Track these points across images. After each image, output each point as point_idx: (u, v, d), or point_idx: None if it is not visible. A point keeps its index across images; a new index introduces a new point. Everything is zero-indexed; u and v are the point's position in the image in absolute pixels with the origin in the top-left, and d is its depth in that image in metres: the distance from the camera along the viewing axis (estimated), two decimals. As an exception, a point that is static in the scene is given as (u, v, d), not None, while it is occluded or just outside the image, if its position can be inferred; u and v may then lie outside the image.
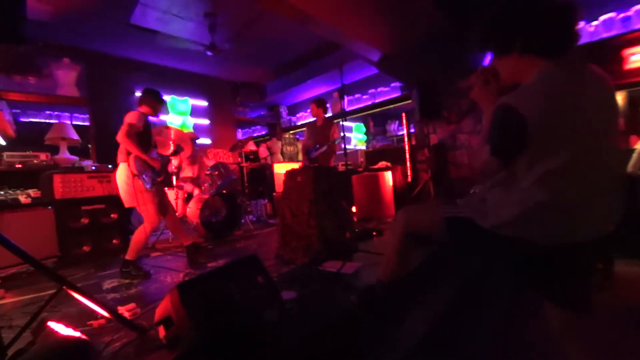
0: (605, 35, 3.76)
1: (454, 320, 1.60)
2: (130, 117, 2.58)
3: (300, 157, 8.06)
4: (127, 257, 2.58)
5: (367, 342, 1.41)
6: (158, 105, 2.86)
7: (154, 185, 2.63)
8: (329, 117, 4.36)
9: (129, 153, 2.57)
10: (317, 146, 3.96)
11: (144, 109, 2.77)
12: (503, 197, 1.04)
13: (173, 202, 4.06)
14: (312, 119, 4.42)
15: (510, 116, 0.93)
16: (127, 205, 2.68)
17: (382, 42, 4.44)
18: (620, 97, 4.03)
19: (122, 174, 2.61)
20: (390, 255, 1.47)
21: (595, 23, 3.87)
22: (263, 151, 7.07)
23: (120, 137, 2.52)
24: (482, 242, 1.10)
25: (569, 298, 1.05)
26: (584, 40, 3.94)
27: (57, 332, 1.46)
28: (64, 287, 1.41)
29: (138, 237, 2.60)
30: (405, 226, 1.39)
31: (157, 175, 2.73)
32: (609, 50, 3.63)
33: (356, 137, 8.08)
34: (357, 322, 1.52)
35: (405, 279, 1.50)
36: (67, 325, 1.51)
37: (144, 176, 2.56)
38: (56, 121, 5.28)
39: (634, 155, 2.69)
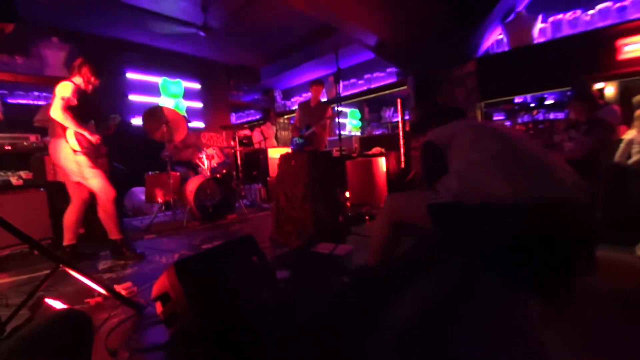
0: (600, 24, 3.77)
1: (442, 303, 1.66)
2: (63, 90, 2.38)
3: (294, 142, 8.02)
4: (111, 236, 2.58)
5: (358, 320, 1.46)
6: (92, 79, 2.60)
7: (97, 159, 2.53)
8: (323, 101, 4.36)
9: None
10: (310, 126, 3.98)
11: (77, 79, 2.54)
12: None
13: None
14: (305, 100, 4.40)
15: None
16: (71, 179, 2.53)
17: (380, 27, 4.39)
18: (613, 88, 4.08)
19: (60, 150, 2.44)
20: (377, 240, 1.53)
21: (591, 12, 3.88)
22: (257, 136, 7.03)
23: (55, 112, 2.33)
24: (459, 218, 1.24)
25: (543, 289, 1.13)
26: (579, 29, 3.95)
27: (54, 308, 1.50)
28: (62, 265, 1.43)
29: (105, 214, 2.53)
30: (391, 213, 1.45)
31: (98, 150, 2.57)
32: (603, 40, 3.64)
33: (351, 123, 8.06)
34: (349, 300, 1.58)
35: (392, 262, 1.56)
36: (64, 303, 1.55)
37: (80, 145, 2.43)
38: (44, 102, 5.16)
39: (621, 145, 2.75)
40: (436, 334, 1.41)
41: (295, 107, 8.20)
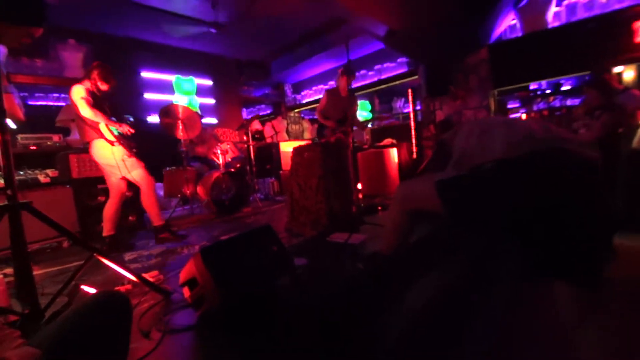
0: (617, 6, 3.66)
1: (456, 291, 1.68)
2: (78, 92, 2.48)
3: (305, 135, 8.07)
4: (155, 223, 2.75)
5: (373, 305, 1.52)
6: (100, 83, 2.67)
7: (131, 150, 2.67)
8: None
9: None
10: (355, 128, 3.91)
11: (87, 84, 2.62)
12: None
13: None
14: (332, 88, 4.07)
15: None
16: (114, 178, 2.68)
17: (390, 16, 4.36)
18: (632, 72, 3.96)
19: (100, 149, 2.57)
20: (390, 229, 1.56)
21: (607, -7, 3.76)
22: (268, 130, 7.11)
23: (84, 112, 2.45)
24: (466, 188, 1.28)
25: (576, 273, 1.11)
26: (595, 12, 3.84)
27: (91, 294, 1.61)
28: (96, 254, 1.53)
29: (149, 201, 2.72)
30: (402, 201, 1.48)
31: (129, 142, 2.71)
32: (620, 22, 3.54)
33: (361, 115, 8.04)
34: (364, 286, 1.63)
35: (406, 250, 1.59)
36: (98, 290, 1.66)
37: (119, 142, 2.58)
38: (63, 104, 5.34)
39: (639, 131, 2.69)
40: (450, 322, 1.44)
41: (306, 100, 8.28)
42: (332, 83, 4.19)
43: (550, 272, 1.17)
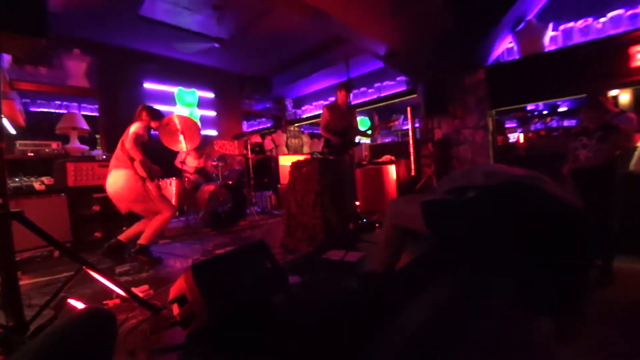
0: (612, 32, 3.75)
1: (450, 309, 1.66)
2: (137, 128, 2.70)
3: (305, 149, 8.11)
4: (142, 241, 2.68)
5: (367, 325, 1.48)
6: (151, 122, 2.91)
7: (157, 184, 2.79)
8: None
9: (132, 159, 2.68)
10: (360, 139, 4.01)
11: (146, 120, 2.86)
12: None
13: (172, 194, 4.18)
14: (331, 102, 4.12)
15: None
16: (132, 208, 2.75)
17: (390, 37, 4.46)
18: (628, 95, 4.03)
19: (127, 179, 2.66)
20: (382, 244, 1.56)
21: (602, 20, 3.86)
22: (268, 143, 7.14)
23: (128, 145, 2.64)
24: (450, 211, 1.32)
25: (554, 305, 1.12)
26: (591, 37, 3.93)
27: (77, 308, 1.56)
28: (84, 267, 1.50)
29: (157, 224, 2.70)
30: (392, 218, 1.49)
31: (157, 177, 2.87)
32: (616, 47, 3.62)
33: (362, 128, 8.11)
34: (358, 305, 1.60)
35: (399, 271, 1.58)
36: (85, 304, 1.61)
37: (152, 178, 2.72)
38: (65, 111, 5.38)
39: (636, 154, 2.70)
40: (443, 343, 1.41)
41: (306, 115, 8.35)
42: (332, 99, 4.23)
43: (532, 303, 1.19)
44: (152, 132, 2.96)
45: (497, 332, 1.28)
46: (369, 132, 4.38)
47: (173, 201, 4.21)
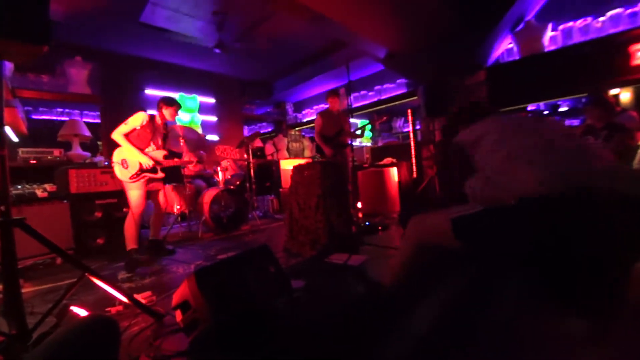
0: (612, 31, 3.75)
1: (461, 318, 1.60)
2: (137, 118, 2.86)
3: (306, 153, 8.10)
4: (127, 248, 2.76)
5: (373, 329, 1.46)
6: (166, 106, 3.02)
7: (138, 176, 2.82)
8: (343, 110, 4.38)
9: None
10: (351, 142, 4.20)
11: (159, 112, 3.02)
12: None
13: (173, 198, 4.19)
14: (324, 109, 4.34)
15: None
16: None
17: (391, 40, 4.48)
18: (629, 93, 4.02)
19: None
20: (399, 262, 1.50)
21: (602, 19, 3.87)
22: (269, 148, 7.15)
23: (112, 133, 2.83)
24: (486, 226, 1.17)
25: (592, 303, 1.03)
26: (590, 36, 3.93)
27: (80, 315, 1.55)
28: (87, 274, 1.49)
29: (126, 224, 2.81)
30: (415, 236, 1.42)
31: (150, 172, 2.91)
32: (616, 46, 3.62)
33: (364, 133, 8.12)
34: (364, 311, 1.58)
35: (410, 283, 1.52)
36: (87, 311, 1.60)
37: (122, 165, 2.77)
38: (67, 118, 5.40)
39: (639, 152, 2.69)
40: (455, 348, 1.38)
41: (307, 119, 8.37)
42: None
43: (558, 300, 1.11)
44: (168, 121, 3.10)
45: (521, 330, 1.19)
46: (358, 132, 4.49)
47: (178, 205, 4.21)
